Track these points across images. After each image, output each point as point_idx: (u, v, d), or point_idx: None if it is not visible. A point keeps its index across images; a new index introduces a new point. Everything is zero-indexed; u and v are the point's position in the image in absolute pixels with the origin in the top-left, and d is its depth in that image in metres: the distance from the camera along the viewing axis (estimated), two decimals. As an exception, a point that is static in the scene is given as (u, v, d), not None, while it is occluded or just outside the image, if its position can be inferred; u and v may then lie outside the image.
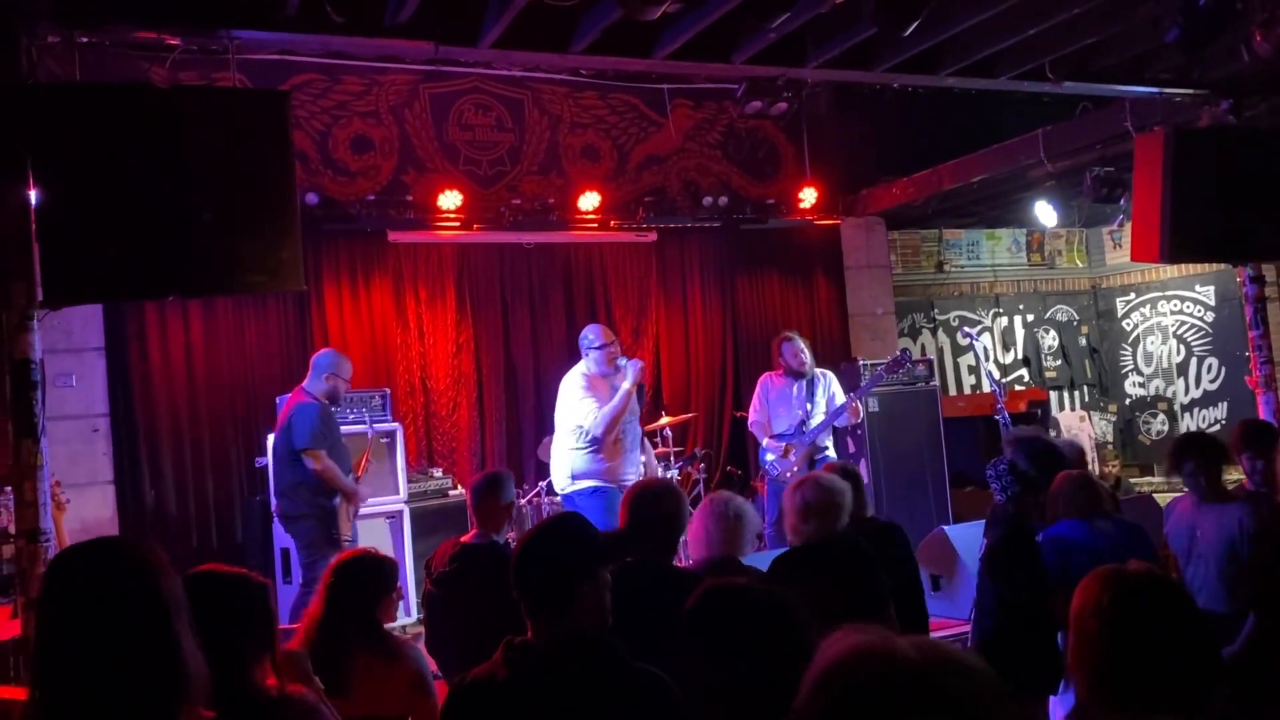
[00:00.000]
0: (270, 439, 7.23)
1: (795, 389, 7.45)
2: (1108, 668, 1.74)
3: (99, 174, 4.02)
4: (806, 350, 7.48)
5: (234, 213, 4.20)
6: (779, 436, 7.43)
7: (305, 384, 6.36)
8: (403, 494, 7.41)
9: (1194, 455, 4.45)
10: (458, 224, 8.54)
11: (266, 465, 7.29)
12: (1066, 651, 1.82)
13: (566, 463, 6.34)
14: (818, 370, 7.57)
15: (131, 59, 6.72)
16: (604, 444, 6.21)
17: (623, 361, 6.38)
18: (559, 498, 7.22)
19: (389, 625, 3.45)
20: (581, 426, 6.22)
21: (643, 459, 6.71)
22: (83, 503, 7.01)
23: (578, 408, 6.26)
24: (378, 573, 3.36)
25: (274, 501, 6.40)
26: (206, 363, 7.76)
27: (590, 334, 6.51)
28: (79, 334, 7.31)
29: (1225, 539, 4.27)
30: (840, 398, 7.43)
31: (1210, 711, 1.73)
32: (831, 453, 7.55)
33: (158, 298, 6.68)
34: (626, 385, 6.21)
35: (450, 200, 8.30)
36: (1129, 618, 1.76)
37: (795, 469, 7.30)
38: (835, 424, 7.47)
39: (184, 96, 4.39)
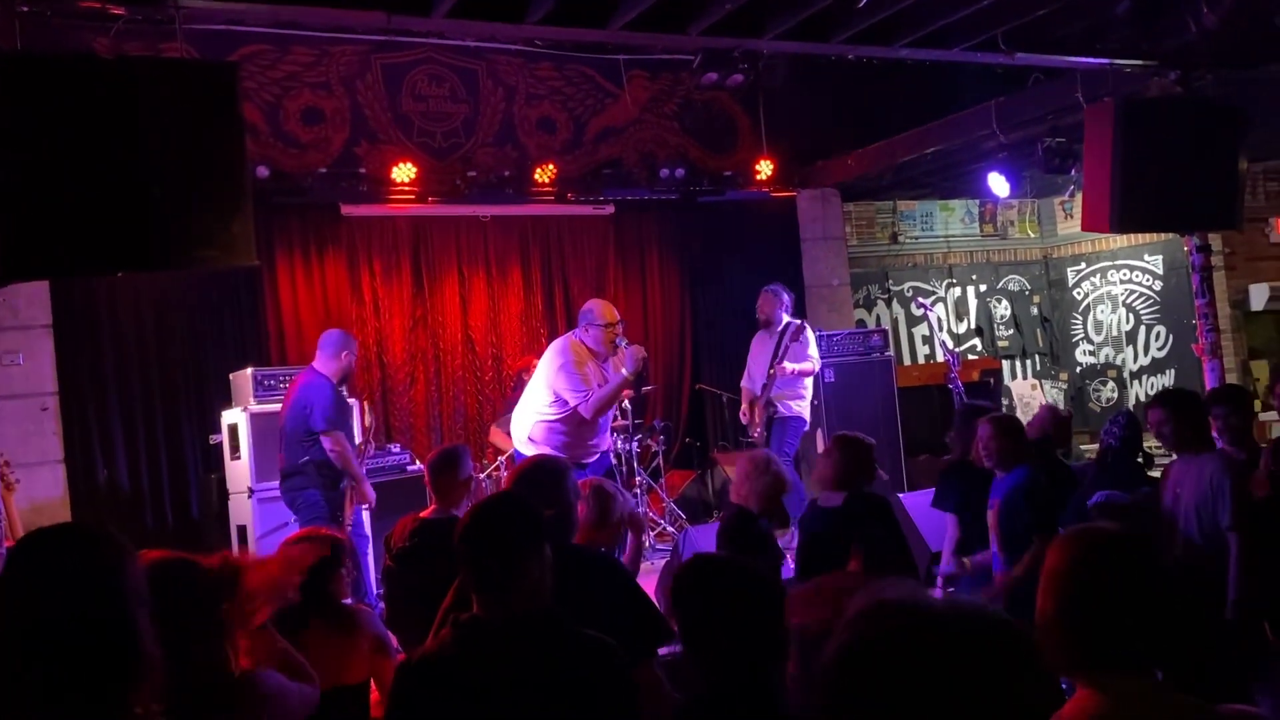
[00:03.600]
0: (225, 415, 7.18)
1: (770, 344, 7.65)
2: (1076, 628, 1.78)
3: (43, 148, 3.93)
4: (770, 302, 7.71)
5: (183, 187, 4.13)
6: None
7: (316, 363, 6.10)
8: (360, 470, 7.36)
9: (1164, 404, 4.42)
10: (412, 196, 8.45)
11: (221, 442, 7.23)
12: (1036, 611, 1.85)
13: (529, 423, 6.20)
14: (796, 322, 7.71)
15: (75, 29, 6.56)
16: (578, 423, 6.03)
17: (622, 342, 6.17)
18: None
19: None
20: (563, 400, 6.00)
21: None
22: (33, 483, 6.90)
23: (567, 380, 5.99)
24: (326, 549, 3.37)
25: (280, 482, 6.13)
26: (158, 339, 7.65)
27: (593, 309, 6.27)
28: (25, 311, 7.17)
29: (1200, 490, 4.21)
30: (803, 351, 7.59)
31: (1178, 671, 1.77)
32: (797, 409, 7.61)
33: (106, 274, 6.55)
34: (625, 373, 6.01)
35: (404, 173, 8.22)
36: (1095, 577, 1.79)
37: (758, 429, 7.46)
38: (794, 383, 7.58)
39: (130, 68, 4.29)
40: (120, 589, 1.74)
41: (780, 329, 7.66)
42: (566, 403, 6.02)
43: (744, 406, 7.82)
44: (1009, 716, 1.16)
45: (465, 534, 2.46)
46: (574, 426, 6.08)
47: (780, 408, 7.60)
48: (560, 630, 2.37)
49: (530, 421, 6.20)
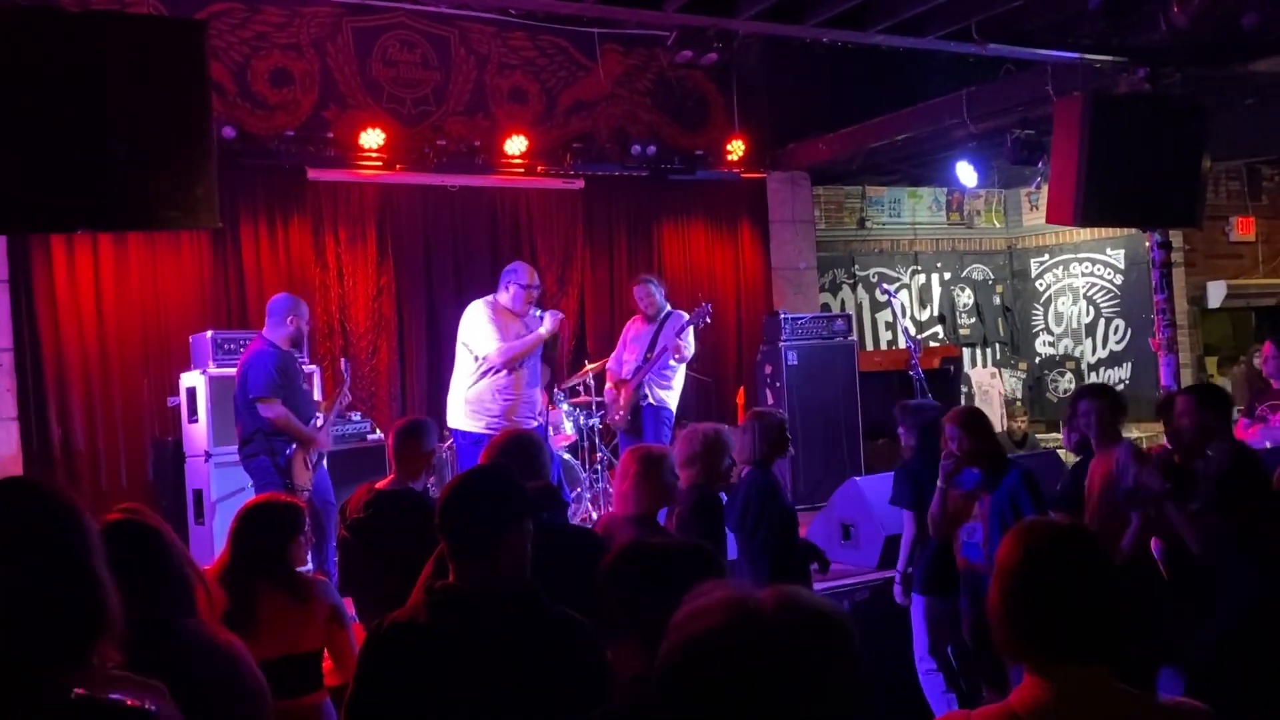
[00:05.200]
0: (184, 378, 7.11)
1: (648, 331, 7.51)
2: (1024, 618, 1.82)
3: (3, 101, 3.85)
4: (649, 294, 7.53)
5: (147, 145, 4.06)
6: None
7: (265, 330, 6.02)
8: (320, 437, 7.32)
9: (1090, 397, 4.62)
10: (380, 163, 8.38)
11: (179, 405, 7.16)
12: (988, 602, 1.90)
13: (461, 393, 6.28)
14: (676, 312, 7.55)
15: (38, -21, 6.42)
16: (498, 374, 6.14)
17: (538, 313, 6.32)
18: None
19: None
20: (476, 355, 6.18)
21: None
22: (-16, 440, 6.82)
23: (481, 329, 6.19)
24: (283, 517, 3.37)
25: (238, 450, 6.08)
26: (117, 299, 7.54)
27: (518, 269, 6.42)
28: (-20, 265, 7.05)
29: (1108, 478, 4.44)
30: (680, 342, 7.33)
31: (1121, 660, 1.82)
32: (665, 398, 7.39)
33: (65, 231, 6.44)
34: (542, 331, 6.19)
35: (372, 139, 8.15)
36: (1043, 569, 1.83)
37: (621, 414, 7.38)
38: (662, 370, 7.35)
39: (96, 23, 4.21)
40: (83, 539, 1.74)
41: (661, 317, 7.49)
42: (481, 358, 6.16)
43: (609, 385, 7.62)
44: (826, 703, 1.24)
45: (446, 503, 2.47)
46: (495, 390, 6.15)
47: (651, 396, 7.37)
48: (534, 605, 2.39)
49: (463, 389, 6.28)
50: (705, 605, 1.31)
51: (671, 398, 7.48)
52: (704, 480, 4.28)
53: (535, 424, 6.31)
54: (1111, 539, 4.19)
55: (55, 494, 1.80)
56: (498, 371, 6.18)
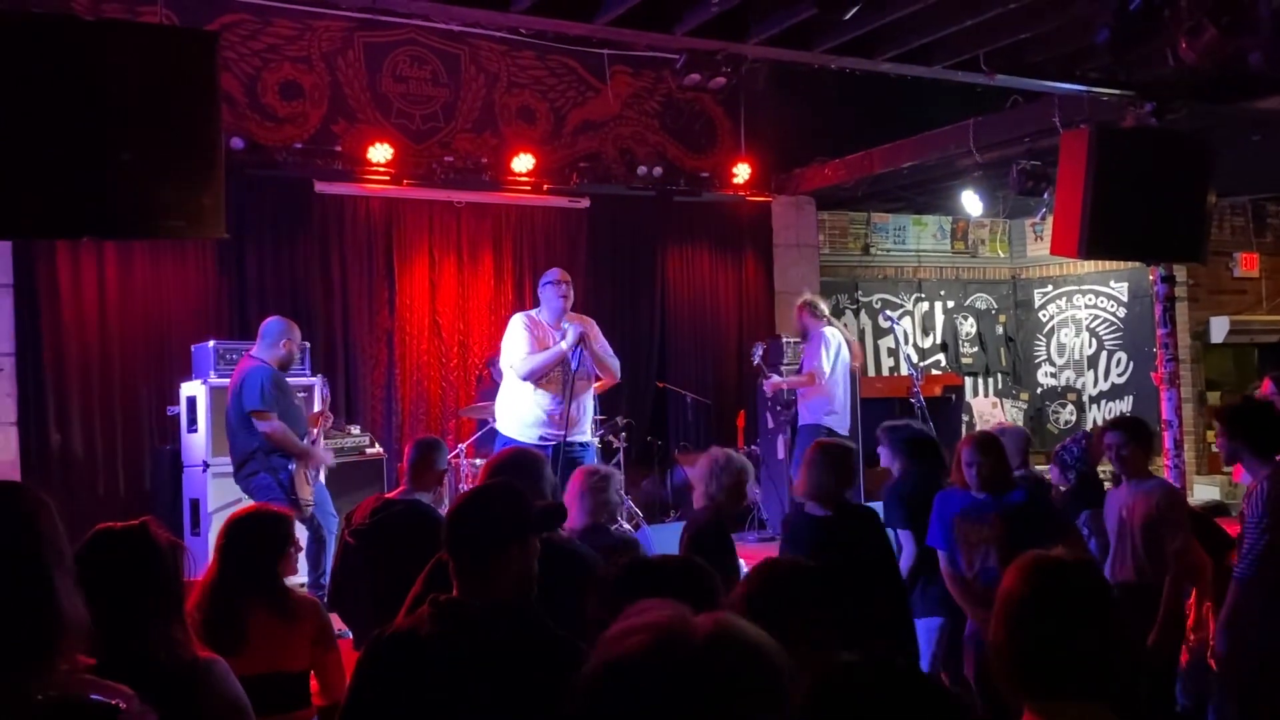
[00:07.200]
0: (184, 387, 7.10)
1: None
2: (1026, 655, 1.80)
3: (13, 107, 3.86)
4: (802, 313, 8.10)
5: (155, 154, 4.06)
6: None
7: (254, 350, 6.04)
8: (319, 449, 7.30)
9: (1122, 429, 4.66)
10: (387, 178, 8.41)
11: (179, 414, 7.15)
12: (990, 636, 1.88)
13: (512, 404, 6.30)
14: (825, 331, 7.97)
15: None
16: (526, 385, 6.17)
17: (566, 324, 6.29)
18: (478, 461, 7.17)
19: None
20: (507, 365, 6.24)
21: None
22: (-17, 443, 6.81)
23: (508, 343, 6.27)
24: (274, 528, 3.33)
25: (234, 474, 6.06)
26: (120, 306, 7.56)
27: (547, 273, 6.51)
28: (-15, 269, 7.06)
29: (1146, 513, 4.46)
30: (812, 351, 7.99)
31: (1114, 696, 1.79)
32: (810, 417, 7.90)
33: (71, 237, 6.46)
34: (563, 346, 6.16)
35: (380, 153, 8.18)
36: (1047, 605, 1.81)
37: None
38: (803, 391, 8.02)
39: (107, 30, 4.24)
40: (34, 543, 1.70)
41: (809, 336, 8.02)
42: (509, 368, 6.23)
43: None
44: None
45: (454, 518, 2.49)
46: (528, 397, 6.18)
47: (801, 413, 7.99)
48: (533, 623, 2.38)
49: (514, 401, 6.33)
50: (635, 624, 1.23)
51: (825, 415, 7.84)
52: (714, 501, 4.30)
53: (560, 438, 6.22)
54: (1155, 572, 4.31)
55: (14, 494, 1.77)
56: (525, 382, 6.18)
